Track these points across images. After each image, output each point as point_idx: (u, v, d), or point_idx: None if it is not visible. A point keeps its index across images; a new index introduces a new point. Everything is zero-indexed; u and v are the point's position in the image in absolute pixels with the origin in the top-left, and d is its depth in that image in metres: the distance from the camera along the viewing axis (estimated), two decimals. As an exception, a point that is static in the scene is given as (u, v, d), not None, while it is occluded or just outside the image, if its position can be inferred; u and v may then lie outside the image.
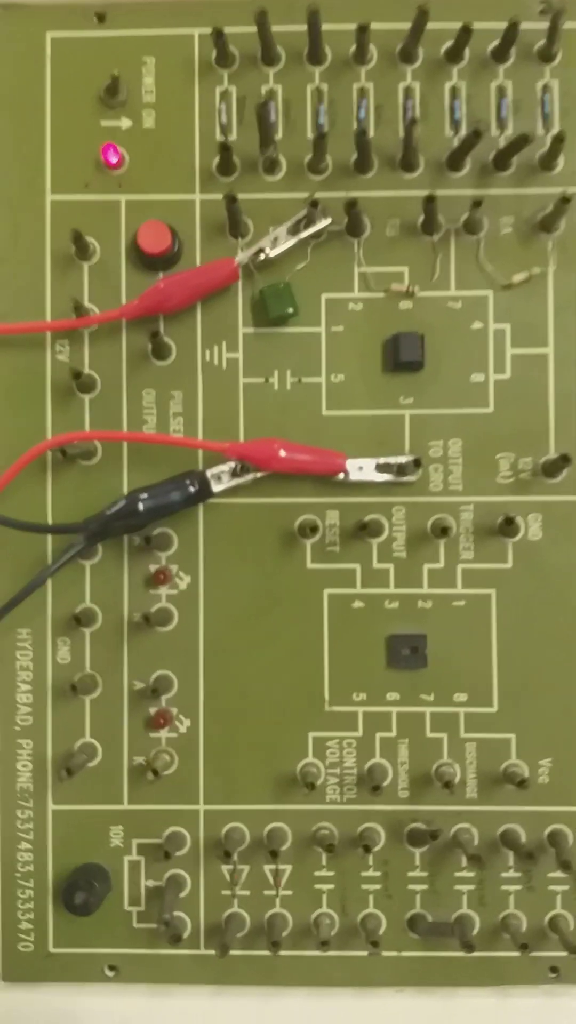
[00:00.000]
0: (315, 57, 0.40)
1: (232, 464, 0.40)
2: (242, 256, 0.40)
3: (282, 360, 0.40)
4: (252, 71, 0.40)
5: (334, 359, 0.40)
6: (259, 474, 0.40)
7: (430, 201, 0.38)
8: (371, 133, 0.40)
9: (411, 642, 0.39)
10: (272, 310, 0.39)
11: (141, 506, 0.38)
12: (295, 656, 0.40)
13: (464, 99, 0.40)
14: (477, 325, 0.40)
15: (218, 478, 0.39)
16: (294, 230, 0.40)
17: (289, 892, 0.40)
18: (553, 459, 0.39)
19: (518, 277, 0.40)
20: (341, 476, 0.40)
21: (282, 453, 0.39)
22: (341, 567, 0.40)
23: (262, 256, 0.40)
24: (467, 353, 0.40)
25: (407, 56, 0.40)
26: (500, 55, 0.40)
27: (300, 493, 0.40)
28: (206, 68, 0.41)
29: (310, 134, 0.40)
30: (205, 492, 0.39)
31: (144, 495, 0.39)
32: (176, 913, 0.40)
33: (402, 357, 0.39)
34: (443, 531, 0.39)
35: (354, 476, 0.40)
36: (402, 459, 0.39)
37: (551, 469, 0.40)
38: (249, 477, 0.40)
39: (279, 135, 0.40)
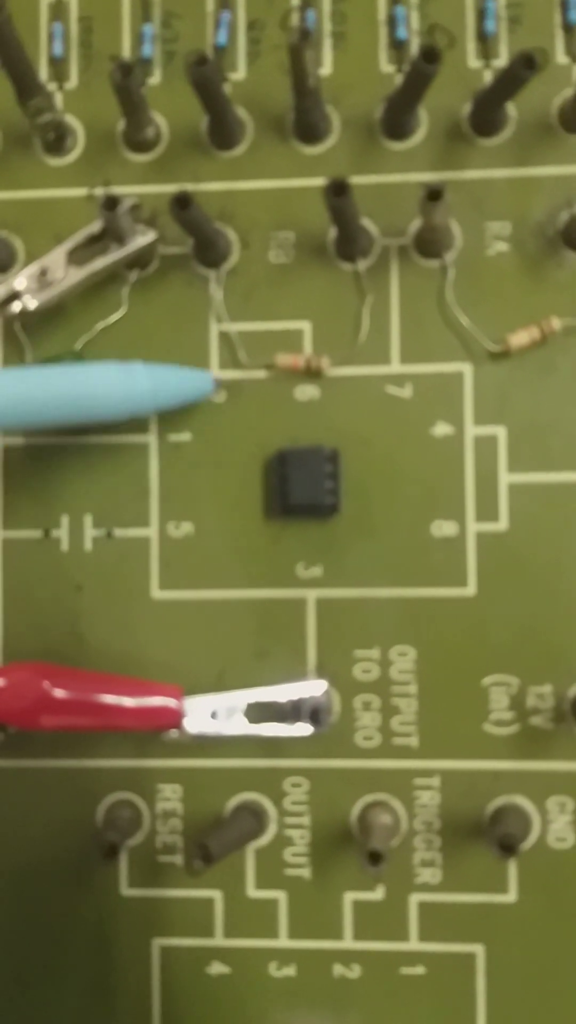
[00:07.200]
0: None
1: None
2: (-16, 307, 0.21)
3: (78, 499, 0.22)
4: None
5: (175, 497, 0.23)
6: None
7: (339, 194, 0.20)
8: (240, 72, 0.24)
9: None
10: (51, 407, 0.22)
11: None
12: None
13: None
14: (443, 430, 0.22)
15: None
16: (82, 257, 0.21)
17: None
18: (592, 692, 0.21)
19: (520, 338, 0.21)
20: (175, 734, 0.21)
21: (56, 695, 0.20)
22: (184, 896, 0.22)
23: (17, 307, 0.21)
24: (423, 483, 0.23)
25: None
26: None
27: (109, 751, 0.22)
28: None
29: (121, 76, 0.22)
30: None
31: None
32: None
33: (295, 496, 0.22)
34: (381, 830, 0.21)
35: (200, 728, 0.21)
36: (301, 689, 0.22)
37: (589, 713, 0.21)
38: (-7, 738, 0.21)
39: (71, 82, 0.23)
